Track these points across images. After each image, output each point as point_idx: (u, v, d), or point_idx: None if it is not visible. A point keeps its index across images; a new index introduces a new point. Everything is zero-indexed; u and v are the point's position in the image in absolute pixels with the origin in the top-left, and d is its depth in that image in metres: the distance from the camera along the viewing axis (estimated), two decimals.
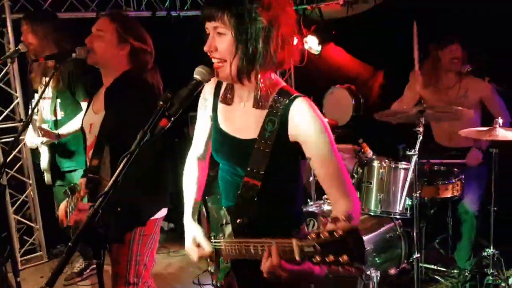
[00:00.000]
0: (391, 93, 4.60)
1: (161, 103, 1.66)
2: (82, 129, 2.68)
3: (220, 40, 1.66)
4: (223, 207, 1.92)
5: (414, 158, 3.30)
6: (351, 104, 5.45)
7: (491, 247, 3.52)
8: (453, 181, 3.66)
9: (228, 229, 1.86)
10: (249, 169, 1.74)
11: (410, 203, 3.39)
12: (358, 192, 3.62)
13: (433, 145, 4.18)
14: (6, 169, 4.30)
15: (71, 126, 3.54)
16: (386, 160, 3.54)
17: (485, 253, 3.57)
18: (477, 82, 3.87)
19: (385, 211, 3.49)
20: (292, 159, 1.78)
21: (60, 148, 3.67)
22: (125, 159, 1.61)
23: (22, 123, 2.77)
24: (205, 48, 1.69)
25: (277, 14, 1.65)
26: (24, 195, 4.58)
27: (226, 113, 1.87)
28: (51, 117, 3.65)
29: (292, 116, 1.68)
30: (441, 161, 3.90)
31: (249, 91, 1.78)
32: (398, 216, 3.54)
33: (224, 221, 1.89)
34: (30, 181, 4.55)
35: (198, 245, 1.96)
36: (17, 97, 4.40)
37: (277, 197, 1.81)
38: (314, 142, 1.68)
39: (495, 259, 3.52)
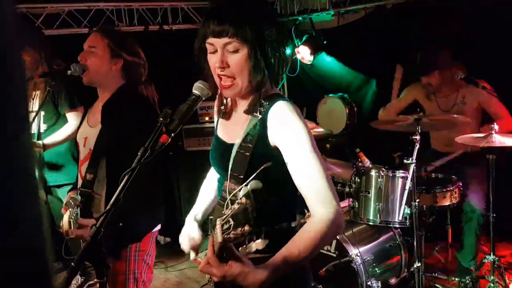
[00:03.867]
0: (384, 101, 4.63)
1: (161, 119, 1.66)
2: (76, 142, 2.67)
3: (233, 56, 1.62)
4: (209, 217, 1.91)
5: (412, 167, 3.31)
6: (345, 113, 5.46)
7: (491, 253, 3.51)
8: (451, 188, 3.66)
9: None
10: (230, 173, 1.70)
11: (408, 211, 3.39)
12: (356, 202, 3.61)
13: (430, 152, 4.20)
14: None
15: (57, 136, 3.56)
16: (384, 169, 3.54)
17: (486, 260, 3.57)
18: (473, 88, 3.88)
19: (384, 221, 3.48)
20: (273, 166, 1.61)
21: (47, 162, 3.65)
22: (127, 176, 1.61)
23: None
24: (218, 65, 1.63)
25: (281, 28, 1.68)
26: None
27: (224, 121, 1.88)
28: (34, 130, 3.63)
29: (270, 119, 1.65)
30: (440, 163, 3.89)
31: (245, 100, 1.77)
32: (397, 225, 3.54)
33: (209, 231, 1.86)
34: None
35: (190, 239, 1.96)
36: None
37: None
38: (290, 146, 1.62)
39: (496, 265, 3.52)
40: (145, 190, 2.39)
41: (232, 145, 1.73)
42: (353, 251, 3.44)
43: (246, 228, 1.28)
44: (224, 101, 1.87)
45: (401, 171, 3.51)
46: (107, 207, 1.55)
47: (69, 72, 2.57)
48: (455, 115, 3.66)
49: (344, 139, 5.43)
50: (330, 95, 5.63)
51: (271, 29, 1.62)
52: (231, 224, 1.31)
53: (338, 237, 3.52)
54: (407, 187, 3.35)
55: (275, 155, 1.64)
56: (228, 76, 1.65)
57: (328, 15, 5.35)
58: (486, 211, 3.70)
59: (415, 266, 3.41)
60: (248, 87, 1.67)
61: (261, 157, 1.62)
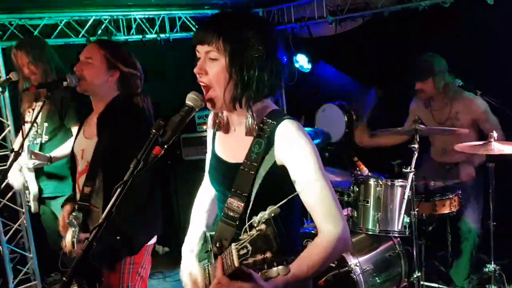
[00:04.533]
0: (383, 108, 4.61)
1: (153, 130, 1.64)
2: (72, 154, 2.65)
3: (211, 65, 1.65)
4: (207, 233, 1.88)
5: (411, 175, 3.29)
6: (343, 121, 5.44)
7: (492, 262, 3.48)
8: (450, 196, 3.64)
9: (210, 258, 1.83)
10: (233, 190, 1.70)
11: (408, 220, 3.36)
12: (355, 211, 3.59)
13: (428, 161, 4.17)
14: None
15: (64, 149, 3.51)
16: (382, 178, 3.52)
17: (486, 269, 3.53)
18: (469, 102, 3.81)
19: (384, 230, 3.46)
20: (279, 185, 1.66)
21: (45, 173, 3.61)
22: (119, 189, 1.59)
23: (13, 152, 2.72)
24: (195, 70, 1.67)
25: (272, 42, 1.66)
26: (17, 224, 4.51)
27: (221, 138, 1.87)
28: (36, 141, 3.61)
29: (277, 138, 1.66)
30: (435, 182, 3.84)
31: (239, 116, 1.76)
32: (396, 235, 3.51)
33: (210, 247, 1.84)
34: (23, 210, 4.48)
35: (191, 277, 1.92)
36: (8, 125, 4.36)
37: None
38: (298, 165, 1.63)
39: (497, 274, 3.48)
40: (141, 203, 2.39)
41: (235, 164, 1.73)
42: (353, 261, 3.41)
43: (268, 255, 1.29)
44: (219, 115, 1.85)
45: (399, 180, 3.49)
46: (100, 221, 1.53)
47: (65, 83, 2.57)
48: (450, 128, 3.67)
49: (342, 148, 5.40)
50: (329, 103, 5.61)
51: (257, 42, 1.61)
52: (249, 250, 1.31)
53: None
54: (406, 196, 3.33)
55: (280, 174, 1.66)
56: (205, 84, 1.67)
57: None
58: (481, 230, 3.69)
59: (415, 275, 3.38)
60: (229, 101, 1.67)
61: (266, 175, 1.65)
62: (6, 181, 4.30)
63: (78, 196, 2.51)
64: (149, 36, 5.22)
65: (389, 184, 3.48)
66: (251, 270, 1.41)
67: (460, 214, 3.79)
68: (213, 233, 1.88)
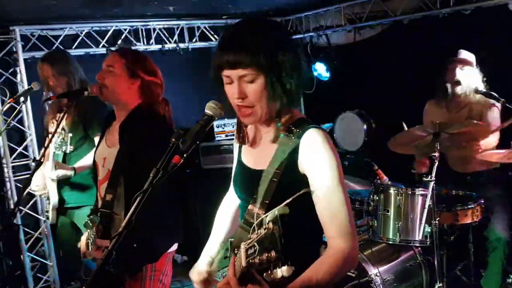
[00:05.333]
0: (402, 117, 4.57)
1: (173, 139, 1.65)
2: (94, 162, 2.67)
3: (250, 86, 1.62)
4: (229, 239, 1.86)
5: (432, 184, 3.23)
6: (362, 129, 5.40)
7: None
8: (472, 206, 3.57)
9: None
10: (255, 197, 1.69)
11: (429, 230, 3.30)
12: (375, 221, 3.55)
13: (447, 171, 4.08)
14: (20, 207, 4.30)
15: (88, 160, 3.49)
16: (403, 187, 3.47)
17: (509, 280, 3.46)
18: (490, 106, 3.75)
19: (404, 240, 3.40)
20: (300, 191, 1.60)
21: (68, 183, 3.65)
22: (139, 198, 1.59)
23: (34, 161, 2.75)
24: (236, 96, 1.62)
25: (296, 50, 1.66)
26: (38, 232, 4.56)
27: (247, 147, 1.87)
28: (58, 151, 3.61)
29: (302, 146, 1.64)
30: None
31: (267, 125, 1.76)
32: (417, 244, 3.45)
33: (229, 253, 1.83)
34: (44, 218, 4.54)
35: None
36: (30, 135, 4.43)
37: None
38: (319, 174, 1.62)
39: None
40: (161, 211, 2.39)
41: (259, 171, 1.72)
42: (373, 271, 3.37)
43: (273, 254, 1.27)
44: (243, 128, 1.86)
45: (420, 188, 3.45)
46: (120, 229, 1.53)
47: (86, 92, 2.60)
48: (474, 121, 3.56)
49: (362, 156, 5.36)
50: (347, 111, 5.58)
51: (286, 54, 1.60)
52: (256, 249, 1.30)
53: None
54: (426, 205, 3.28)
55: (302, 182, 1.64)
56: (247, 106, 1.65)
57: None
58: (510, 238, 3.60)
59: (436, 286, 3.32)
60: (268, 114, 1.68)
61: (289, 183, 1.63)
62: (27, 190, 4.39)
63: (99, 203, 2.52)
64: (168, 45, 5.27)
65: (410, 193, 3.44)
66: (260, 277, 1.40)
67: (486, 223, 3.71)
68: (233, 239, 1.87)
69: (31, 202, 4.50)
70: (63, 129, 3.53)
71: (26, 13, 4.11)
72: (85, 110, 3.50)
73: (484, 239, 3.79)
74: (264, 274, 1.37)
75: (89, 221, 2.37)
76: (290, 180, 1.64)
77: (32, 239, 4.52)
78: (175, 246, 2.57)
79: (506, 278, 3.49)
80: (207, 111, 1.72)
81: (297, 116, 1.74)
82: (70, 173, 3.47)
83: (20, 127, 4.44)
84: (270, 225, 1.29)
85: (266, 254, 1.28)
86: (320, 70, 5.75)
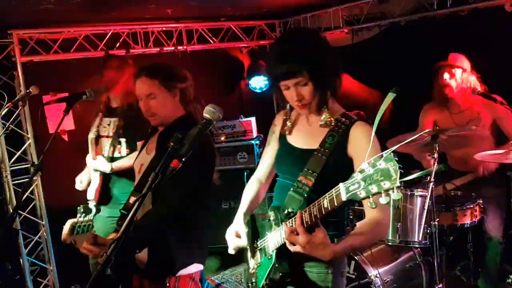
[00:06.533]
0: (401, 118, 4.57)
1: (171, 144, 1.65)
2: (133, 169, 2.68)
3: (304, 89, 1.99)
4: (271, 206, 2.18)
5: (431, 185, 3.24)
6: None
7: None
8: (471, 206, 3.57)
9: (274, 224, 2.08)
10: (305, 169, 2.02)
11: (428, 230, 3.31)
12: None
13: (449, 170, 4.10)
14: (19, 211, 4.30)
15: (123, 162, 3.62)
16: (402, 188, 3.47)
17: (509, 280, 3.46)
18: (489, 104, 3.77)
19: (404, 241, 3.41)
20: (344, 170, 1.88)
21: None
22: (137, 203, 1.60)
23: (33, 166, 2.76)
24: (295, 99, 2.01)
25: (335, 54, 2.05)
26: (37, 236, 4.55)
27: (294, 132, 2.22)
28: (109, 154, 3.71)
29: (352, 134, 2.01)
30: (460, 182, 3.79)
31: (316, 114, 2.11)
32: (417, 245, 3.46)
33: (272, 217, 2.09)
34: (43, 222, 4.53)
35: (238, 237, 2.19)
36: (28, 139, 4.42)
37: None
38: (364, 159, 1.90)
39: None
40: (188, 227, 2.43)
41: (308, 150, 2.08)
42: (372, 272, 3.38)
43: (386, 183, 1.52)
44: (289, 117, 2.25)
45: (419, 189, 3.45)
46: (118, 235, 1.54)
47: (84, 97, 2.61)
48: (473, 127, 3.57)
49: None
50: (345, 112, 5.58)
51: (328, 57, 2.00)
52: (360, 184, 1.58)
53: (356, 257, 3.46)
54: (426, 206, 3.28)
55: (346, 164, 2.00)
56: (305, 103, 2.03)
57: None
58: (504, 239, 3.61)
59: (436, 287, 3.32)
60: (318, 105, 2.06)
61: (335, 162, 2.00)
62: (26, 194, 4.40)
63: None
64: (167, 48, 5.27)
65: (409, 193, 3.44)
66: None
67: (482, 223, 3.72)
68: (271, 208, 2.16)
69: (30, 206, 4.49)
70: (118, 136, 3.65)
71: (24, 17, 4.10)
72: (138, 116, 3.56)
73: (483, 239, 3.80)
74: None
75: (82, 208, 2.36)
76: (336, 160, 2.00)
77: (31, 243, 4.51)
78: (199, 267, 2.52)
79: (506, 278, 3.49)
80: (206, 115, 1.73)
81: (342, 110, 2.12)
82: (108, 168, 3.57)
83: (19, 131, 4.43)
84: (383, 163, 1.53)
85: (376, 186, 1.53)
86: None
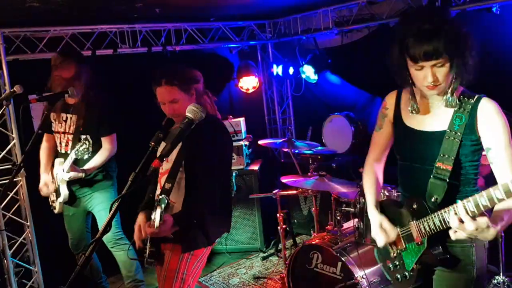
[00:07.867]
0: None
1: (152, 143, 1.63)
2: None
3: (440, 70, 1.96)
4: (406, 195, 2.27)
5: None
6: (350, 131, 5.41)
7: (501, 274, 3.41)
8: None
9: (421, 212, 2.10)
10: (441, 155, 2.06)
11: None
12: (361, 223, 3.52)
13: None
14: (3, 212, 4.24)
15: (96, 161, 3.69)
16: (389, 188, 3.46)
17: (495, 281, 3.47)
18: None
19: None
20: (473, 149, 2.06)
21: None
22: (116, 203, 1.57)
23: (15, 166, 2.73)
24: (430, 80, 1.96)
25: (471, 35, 1.99)
26: (22, 237, 4.50)
27: (415, 115, 2.19)
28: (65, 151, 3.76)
29: (480, 112, 2.02)
30: None
31: (438, 94, 2.08)
32: None
33: (415, 205, 2.11)
34: (28, 223, 4.47)
35: (384, 232, 2.22)
36: (13, 139, 4.37)
37: (463, 180, 2.11)
38: (497, 134, 1.99)
39: (506, 286, 3.42)
40: (214, 205, 2.68)
41: (434, 132, 2.11)
42: (359, 273, 3.36)
43: None
44: (417, 97, 2.18)
45: None
46: (97, 236, 1.51)
47: (66, 96, 2.59)
48: None
49: (349, 158, 5.37)
50: (336, 113, 5.59)
51: (467, 38, 1.95)
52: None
53: (343, 259, 3.45)
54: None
55: (477, 142, 2.05)
56: (437, 85, 1.99)
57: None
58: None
59: None
60: (447, 87, 2.03)
61: (468, 143, 2.04)
62: (10, 194, 4.34)
63: (158, 191, 2.72)
64: (155, 48, 5.23)
65: (395, 195, 3.43)
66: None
67: None
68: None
69: (15, 207, 4.43)
70: (86, 139, 3.67)
71: (10, 15, 4.06)
72: (98, 112, 3.64)
73: None
74: None
75: (165, 198, 2.52)
76: (469, 139, 2.04)
77: (16, 244, 4.45)
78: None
79: (491, 279, 3.50)
80: (188, 114, 1.71)
81: (461, 88, 2.09)
82: (81, 175, 3.65)
83: (3, 130, 4.38)
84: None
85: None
86: (308, 73, 5.75)
